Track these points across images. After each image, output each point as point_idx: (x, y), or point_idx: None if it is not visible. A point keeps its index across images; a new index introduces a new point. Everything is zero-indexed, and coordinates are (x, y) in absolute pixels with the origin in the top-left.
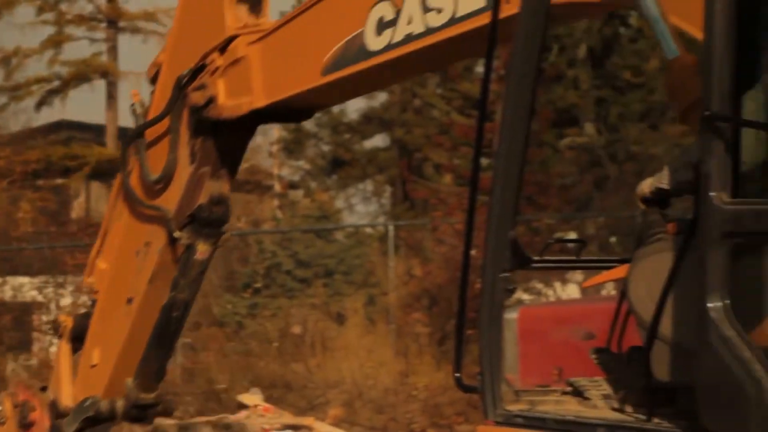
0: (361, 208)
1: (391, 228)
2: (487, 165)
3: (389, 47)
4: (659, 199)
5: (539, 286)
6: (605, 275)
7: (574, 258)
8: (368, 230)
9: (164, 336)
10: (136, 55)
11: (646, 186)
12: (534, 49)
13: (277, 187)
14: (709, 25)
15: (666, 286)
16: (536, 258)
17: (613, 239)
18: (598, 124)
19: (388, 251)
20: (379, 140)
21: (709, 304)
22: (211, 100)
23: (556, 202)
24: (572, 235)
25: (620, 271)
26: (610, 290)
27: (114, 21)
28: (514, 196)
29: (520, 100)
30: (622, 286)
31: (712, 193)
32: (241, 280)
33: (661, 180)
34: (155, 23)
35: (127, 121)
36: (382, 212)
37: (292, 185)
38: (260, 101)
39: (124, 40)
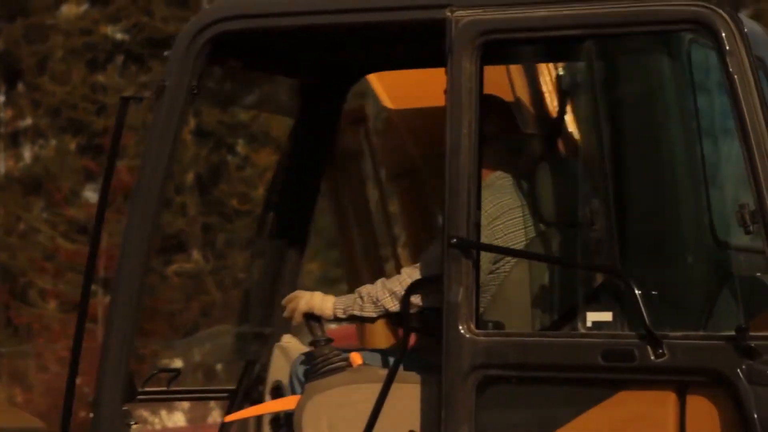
0: None
1: None
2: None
3: None
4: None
5: (146, 413)
6: (250, 411)
7: (181, 389)
8: None
9: None
10: None
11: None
12: (159, 177)
13: None
14: (454, 151)
15: (371, 421)
16: (141, 390)
17: (219, 366)
18: (206, 251)
19: None
20: None
21: None
22: None
23: (162, 329)
24: (178, 363)
25: (270, 406)
26: (216, 418)
27: None
28: (132, 326)
29: (142, 226)
30: (286, 417)
31: (460, 326)
32: None
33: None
34: None
35: None
36: None
37: None
38: None
39: None
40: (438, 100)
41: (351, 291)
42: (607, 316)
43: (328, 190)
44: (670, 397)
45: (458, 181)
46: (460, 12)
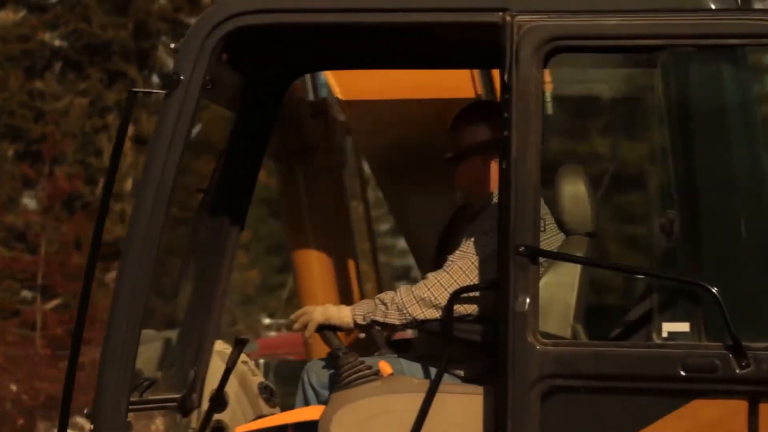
0: None
1: None
2: (31, 298)
3: None
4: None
5: (81, 421)
6: (264, 422)
7: (159, 398)
8: None
9: None
10: None
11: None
12: (170, 175)
13: None
14: (520, 159)
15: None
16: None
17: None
18: None
19: None
20: None
21: None
22: None
23: (101, 337)
24: None
25: (289, 416)
26: (158, 426)
27: None
28: (138, 336)
29: (150, 228)
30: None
31: (528, 336)
32: None
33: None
34: None
35: None
36: None
37: None
38: None
39: None
40: (387, 93)
41: (297, 289)
42: (684, 327)
43: (284, 184)
44: (743, 406)
45: (527, 189)
46: (522, 17)
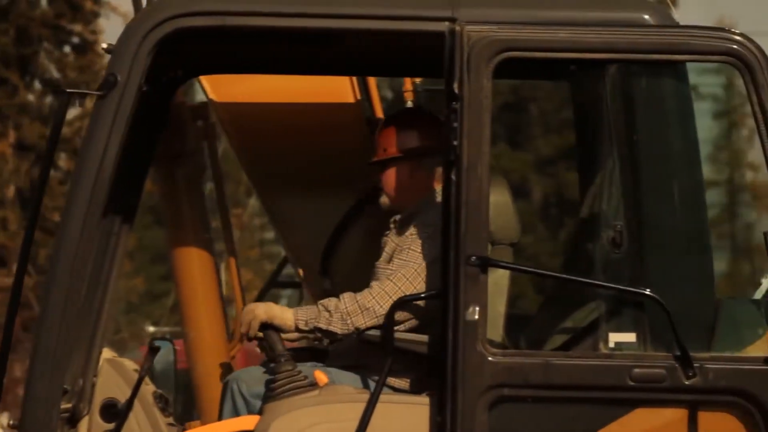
0: None
1: None
2: None
3: None
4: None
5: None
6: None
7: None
8: None
9: None
10: None
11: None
12: (105, 179)
13: None
14: (472, 168)
15: None
16: None
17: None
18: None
19: None
20: None
21: None
22: None
23: None
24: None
25: (208, 429)
26: None
27: None
28: (72, 341)
29: (81, 233)
30: None
31: (478, 346)
32: None
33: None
34: None
35: None
36: None
37: None
38: None
39: None
40: (264, 97)
41: (177, 294)
42: (630, 337)
43: (164, 189)
44: (683, 414)
45: (479, 199)
46: (471, 27)
